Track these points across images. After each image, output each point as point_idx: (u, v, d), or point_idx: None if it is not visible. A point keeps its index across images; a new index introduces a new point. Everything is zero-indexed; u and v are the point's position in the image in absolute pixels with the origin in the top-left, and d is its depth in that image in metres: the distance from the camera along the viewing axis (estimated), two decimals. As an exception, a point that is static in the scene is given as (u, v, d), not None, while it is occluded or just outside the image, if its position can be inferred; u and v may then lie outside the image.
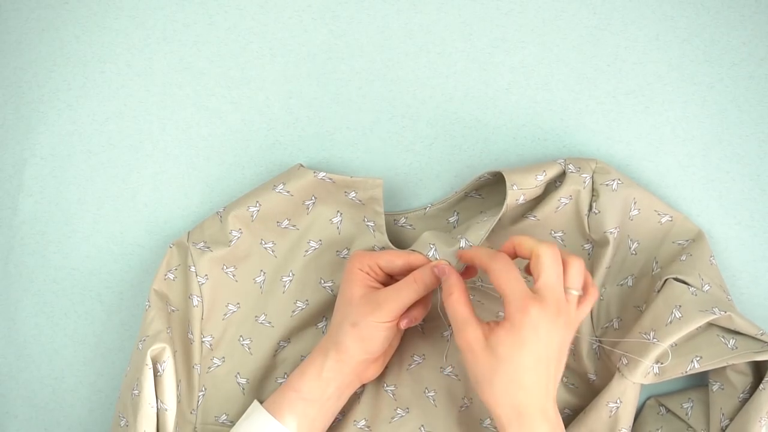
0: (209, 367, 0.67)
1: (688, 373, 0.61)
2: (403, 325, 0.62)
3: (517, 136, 0.71)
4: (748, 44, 0.69)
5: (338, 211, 0.67)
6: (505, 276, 0.55)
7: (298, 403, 0.60)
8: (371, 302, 0.60)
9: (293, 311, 0.68)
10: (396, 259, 0.62)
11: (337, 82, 0.72)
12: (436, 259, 0.62)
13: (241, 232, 0.67)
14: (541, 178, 0.64)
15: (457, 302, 0.57)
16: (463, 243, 0.62)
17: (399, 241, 0.70)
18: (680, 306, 0.61)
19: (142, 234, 0.72)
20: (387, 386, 0.67)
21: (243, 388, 0.67)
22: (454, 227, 0.69)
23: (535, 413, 0.53)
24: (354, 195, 0.66)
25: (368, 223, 0.67)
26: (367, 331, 0.59)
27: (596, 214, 0.65)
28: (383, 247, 0.66)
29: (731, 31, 0.70)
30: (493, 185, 0.68)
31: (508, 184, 0.62)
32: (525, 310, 0.53)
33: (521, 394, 0.53)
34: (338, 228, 0.68)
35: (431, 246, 0.62)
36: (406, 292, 0.60)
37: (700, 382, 0.68)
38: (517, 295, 0.54)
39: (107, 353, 0.72)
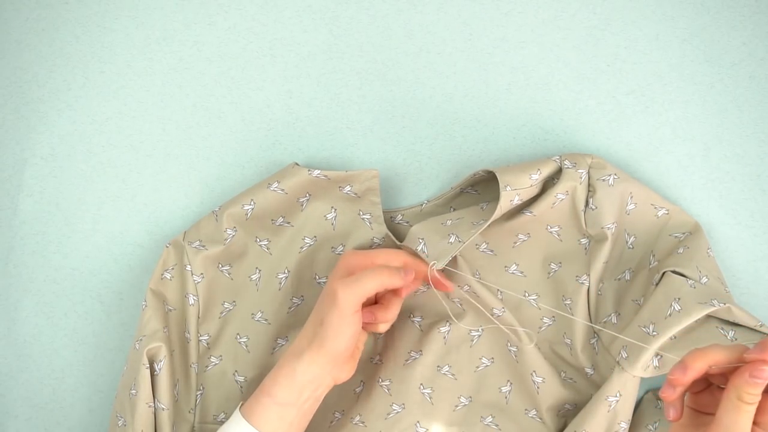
0: (207, 366, 0.67)
1: None
2: (364, 319, 0.60)
3: (517, 136, 0.71)
4: (748, 44, 0.69)
5: (332, 207, 0.67)
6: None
7: (273, 408, 0.59)
8: (329, 294, 0.58)
9: (289, 308, 0.68)
10: (393, 262, 0.61)
11: (337, 82, 0.72)
12: (424, 252, 0.61)
13: (236, 231, 0.67)
14: (535, 177, 0.64)
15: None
16: (452, 239, 0.62)
17: (396, 238, 0.70)
18: (679, 299, 0.61)
19: (142, 234, 0.72)
20: (382, 381, 0.67)
21: (241, 387, 0.67)
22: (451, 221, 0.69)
23: None
24: (349, 189, 0.66)
25: (364, 216, 0.67)
26: (330, 328, 0.58)
27: (593, 209, 0.65)
28: (383, 238, 0.66)
29: (731, 31, 0.70)
30: (488, 181, 0.68)
31: (501, 185, 0.62)
32: None
33: None
34: (333, 224, 0.68)
35: (420, 240, 0.62)
36: (365, 283, 0.58)
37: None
38: None
39: (107, 353, 0.72)
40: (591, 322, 0.66)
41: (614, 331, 0.64)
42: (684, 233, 0.66)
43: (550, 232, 0.67)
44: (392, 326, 0.68)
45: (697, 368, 0.50)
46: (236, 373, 0.67)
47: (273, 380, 0.60)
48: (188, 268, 0.66)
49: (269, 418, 0.59)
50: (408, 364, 0.67)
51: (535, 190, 0.65)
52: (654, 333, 0.61)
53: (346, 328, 0.58)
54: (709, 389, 0.53)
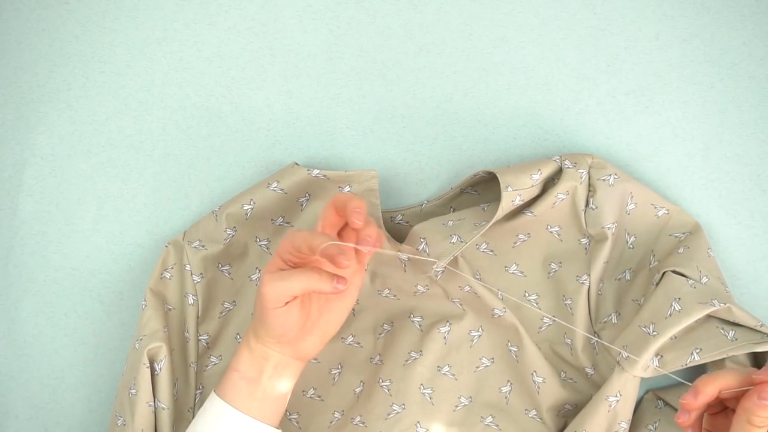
0: (206, 366, 0.67)
1: (689, 365, 0.61)
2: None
3: (517, 136, 0.71)
4: (748, 44, 0.69)
5: None
6: None
7: (240, 383, 0.59)
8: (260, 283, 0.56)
9: (289, 308, 0.68)
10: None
11: (337, 82, 0.72)
12: (425, 252, 0.61)
13: (236, 230, 0.67)
14: (536, 177, 0.64)
15: None
16: (455, 239, 0.62)
17: (396, 238, 0.69)
18: (680, 299, 0.61)
19: (142, 234, 0.72)
20: (382, 381, 0.67)
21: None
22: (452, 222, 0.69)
23: None
24: (349, 189, 0.66)
25: None
26: (260, 316, 0.57)
27: (594, 209, 0.65)
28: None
29: (731, 31, 0.70)
30: (488, 181, 0.68)
31: (502, 186, 0.62)
32: None
33: None
34: None
35: (422, 240, 0.62)
36: (290, 283, 0.55)
37: (698, 375, 0.68)
38: None
39: (107, 353, 0.72)
40: (591, 322, 0.66)
41: (615, 332, 0.65)
42: (684, 233, 0.66)
43: (551, 232, 0.67)
44: (392, 326, 0.69)
45: (708, 392, 0.50)
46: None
47: (237, 355, 0.60)
48: (188, 267, 0.66)
49: (240, 394, 0.59)
50: (408, 365, 0.67)
51: (535, 191, 0.65)
52: (654, 333, 0.61)
53: (271, 319, 0.57)
54: (724, 411, 0.53)
